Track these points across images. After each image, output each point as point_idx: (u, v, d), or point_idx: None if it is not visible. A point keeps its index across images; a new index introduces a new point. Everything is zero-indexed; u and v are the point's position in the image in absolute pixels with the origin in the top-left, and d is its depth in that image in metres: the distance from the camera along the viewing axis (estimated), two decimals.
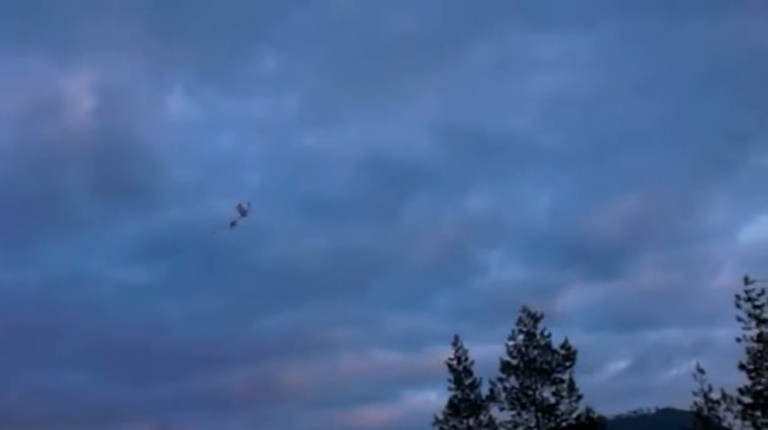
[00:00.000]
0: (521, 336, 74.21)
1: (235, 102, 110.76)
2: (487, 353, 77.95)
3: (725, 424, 68.95)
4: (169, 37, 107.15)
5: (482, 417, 73.84)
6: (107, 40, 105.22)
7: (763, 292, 69.59)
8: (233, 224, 70.86)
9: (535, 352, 73.54)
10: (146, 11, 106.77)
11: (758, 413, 67.52)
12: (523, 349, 73.72)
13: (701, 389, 69.69)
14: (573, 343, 73.94)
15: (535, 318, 74.32)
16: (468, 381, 74.63)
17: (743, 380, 68.71)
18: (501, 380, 73.68)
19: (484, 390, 74.19)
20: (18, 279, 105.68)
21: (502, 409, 73.40)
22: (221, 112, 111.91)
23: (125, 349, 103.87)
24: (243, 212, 70.89)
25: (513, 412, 72.90)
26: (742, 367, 68.83)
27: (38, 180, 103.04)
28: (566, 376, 72.97)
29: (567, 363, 73.25)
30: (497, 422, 73.44)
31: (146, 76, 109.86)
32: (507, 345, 74.32)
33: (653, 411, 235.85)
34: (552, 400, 72.53)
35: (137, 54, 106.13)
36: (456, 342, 75.57)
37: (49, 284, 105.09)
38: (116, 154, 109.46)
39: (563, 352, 73.46)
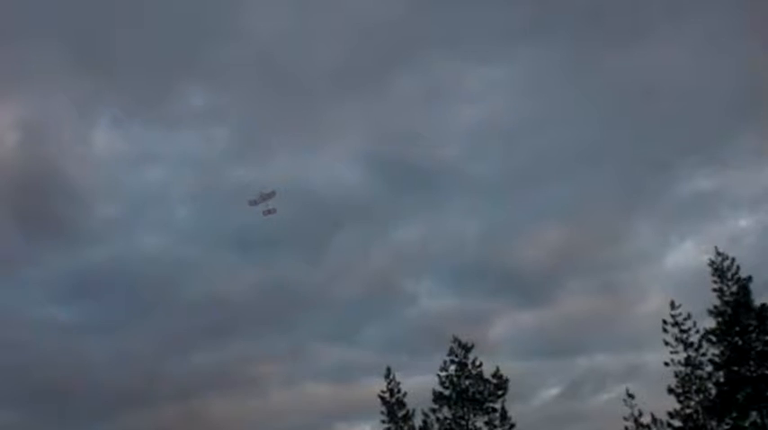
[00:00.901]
0: (452, 367, 74.08)
1: (163, 135, 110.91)
2: (420, 383, 77.66)
3: None
4: (95, 70, 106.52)
5: None
6: (30, 74, 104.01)
7: (689, 316, 70.72)
8: (267, 212, 73.77)
9: (467, 381, 73.44)
10: (71, 44, 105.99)
11: None
12: (455, 379, 73.56)
13: (632, 414, 70.35)
14: (504, 371, 74.05)
15: (466, 348, 74.29)
16: (401, 413, 74.02)
17: (672, 403, 69.57)
18: (434, 410, 73.26)
19: (417, 421, 73.68)
20: None
21: None
22: (149, 146, 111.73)
23: (49, 389, 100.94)
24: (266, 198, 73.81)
25: None
26: (671, 391, 69.66)
27: None
28: (498, 405, 72.96)
29: (499, 392, 73.26)
30: None
31: (71, 110, 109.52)
32: (439, 376, 74.13)
33: None
34: None
35: (62, 87, 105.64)
36: (388, 374, 75.01)
37: None
38: (40, 189, 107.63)
39: (495, 381, 73.48)
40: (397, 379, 74.91)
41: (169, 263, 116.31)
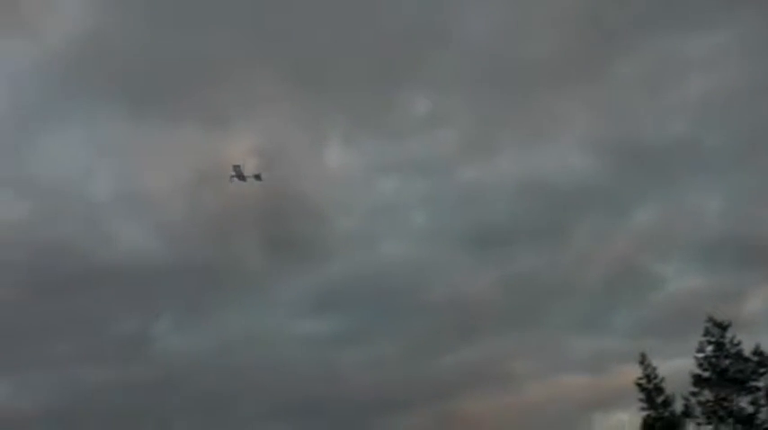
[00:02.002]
0: (709, 347, 72.33)
1: (391, 145, 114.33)
2: (676, 367, 76.25)
3: None
4: (318, 91, 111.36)
5: None
6: (258, 103, 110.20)
7: None
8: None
9: (726, 361, 71.53)
10: (289, 70, 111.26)
11: None
12: (714, 360, 71.81)
13: None
14: (765, 347, 71.47)
15: (722, 327, 72.33)
16: (660, 399, 73.09)
17: None
18: (694, 394, 71.87)
19: (678, 406, 72.51)
20: (195, 347, 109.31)
21: (699, 424, 71.55)
22: (379, 158, 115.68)
23: (309, 401, 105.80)
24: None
25: (711, 426, 70.93)
26: None
27: (207, 247, 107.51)
28: (761, 383, 70.64)
29: (762, 370, 70.88)
30: None
31: (301, 131, 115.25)
32: (697, 358, 72.54)
33: None
34: (750, 410, 70.27)
35: (290, 111, 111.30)
36: (643, 360, 74.17)
37: (226, 348, 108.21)
38: (281, 212, 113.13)
39: (755, 358, 71.16)
40: (653, 364, 74.02)
41: (410, 268, 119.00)
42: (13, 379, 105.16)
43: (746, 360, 71.24)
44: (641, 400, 73.65)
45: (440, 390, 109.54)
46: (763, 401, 70.03)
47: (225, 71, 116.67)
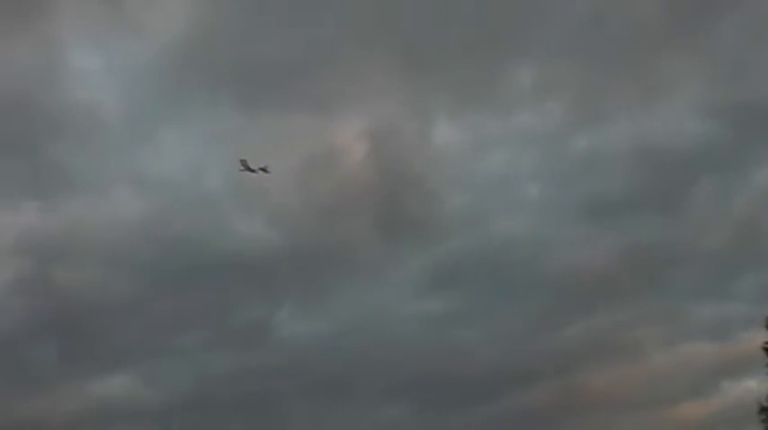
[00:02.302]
0: None
1: (499, 119, 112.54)
2: None
3: None
4: (424, 69, 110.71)
5: None
6: (365, 86, 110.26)
7: None
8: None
9: None
10: (396, 50, 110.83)
11: None
12: None
13: None
14: None
15: None
16: None
17: None
18: None
19: None
20: (314, 331, 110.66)
21: None
22: (487, 132, 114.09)
23: (429, 379, 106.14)
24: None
25: None
26: None
27: (322, 231, 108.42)
28: None
29: None
30: None
31: (409, 111, 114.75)
32: None
33: None
34: None
35: (396, 93, 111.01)
36: None
37: (345, 331, 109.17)
38: (393, 192, 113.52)
39: None
40: None
41: (526, 241, 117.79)
42: (142, 370, 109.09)
43: None
44: None
45: (562, 363, 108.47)
46: None
47: (332, 57, 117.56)
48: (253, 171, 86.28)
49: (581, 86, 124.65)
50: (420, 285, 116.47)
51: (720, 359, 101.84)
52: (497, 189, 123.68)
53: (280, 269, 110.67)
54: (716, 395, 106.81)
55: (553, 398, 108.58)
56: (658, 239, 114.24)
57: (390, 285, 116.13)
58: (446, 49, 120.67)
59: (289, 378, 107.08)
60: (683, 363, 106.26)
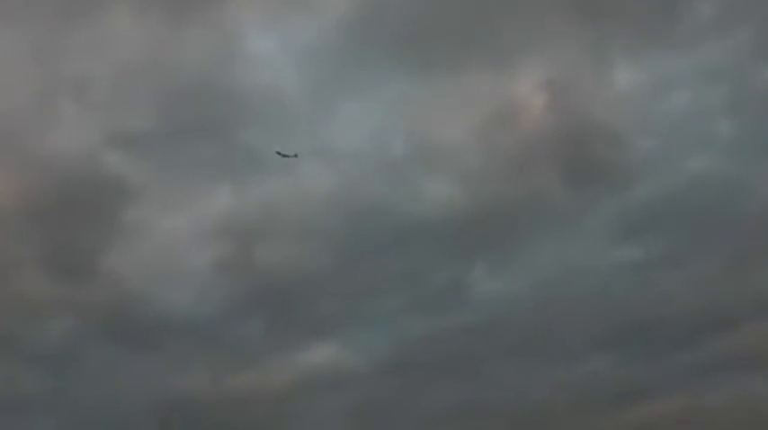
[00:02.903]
0: None
1: (681, 56, 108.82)
2: None
3: None
4: (599, 13, 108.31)
5: None
6: (541, 37, 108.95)
7: None
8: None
9: None
10: None
11: None
12: None
13: None
14: None
15: None
16: None
17: None
18: None
19: None
20: (511, 288, 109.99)
21: None
22: (669, 71, 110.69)
23: (632, 327, 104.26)
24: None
25: None
26: None
27: (510, 187, 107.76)
28: None
29: None
30: None
31: (587, 58, 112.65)
32: None
33: None
34: None
35: (573, 40, 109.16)
36: None
37: (541, 285, 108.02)
38: (578, 141, 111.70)
39: None
40: None
41: (719, 181, 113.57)
42: (344, 339, 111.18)
43: None
44: None
45: (766, 305, 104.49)
46: None
47: (507, 10, 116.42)
48: (287, 156, 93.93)
49: (765, 13, 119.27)
50: (614, 233, 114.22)
51: None
52: (686, 128, 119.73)
53: (470, 228, 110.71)
54: None
55: (758, 342, 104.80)
56: None
57: (584, 235, 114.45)
58: None
59: (488, 337, 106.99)
60: None
